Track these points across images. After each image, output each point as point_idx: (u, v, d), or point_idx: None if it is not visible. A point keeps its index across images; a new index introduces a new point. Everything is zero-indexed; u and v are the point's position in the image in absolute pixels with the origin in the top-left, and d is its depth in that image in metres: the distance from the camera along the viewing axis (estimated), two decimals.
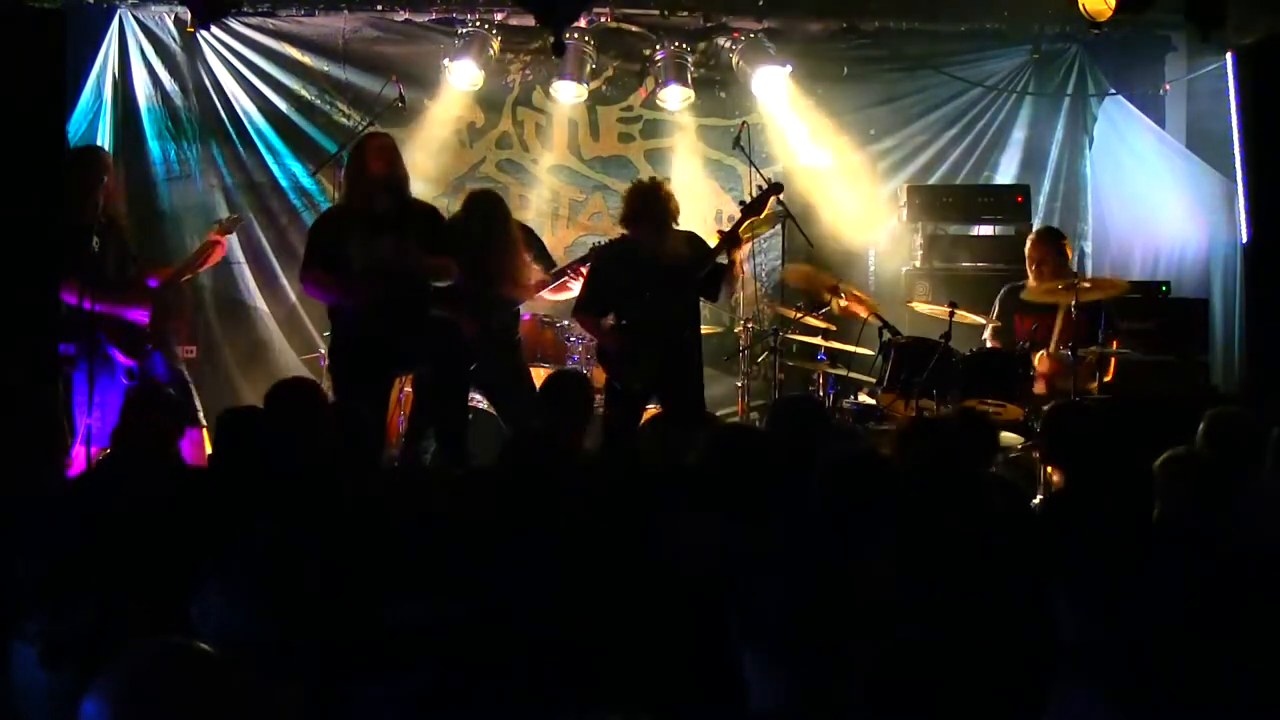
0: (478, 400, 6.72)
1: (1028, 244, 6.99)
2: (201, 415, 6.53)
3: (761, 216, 6.46)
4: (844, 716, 2.02)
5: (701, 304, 6.53)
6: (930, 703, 2.49)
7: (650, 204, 6.24)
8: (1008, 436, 6.46)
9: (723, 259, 6.27)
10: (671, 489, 3.81)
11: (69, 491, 4.17)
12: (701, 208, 8.49)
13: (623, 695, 2.21)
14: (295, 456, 4.11)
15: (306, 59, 8.39)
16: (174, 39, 8.26)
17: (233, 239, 8.29)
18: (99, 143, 7.93)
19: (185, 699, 1.84)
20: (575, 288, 6.71)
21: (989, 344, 6.83)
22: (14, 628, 2.35)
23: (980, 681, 2.59)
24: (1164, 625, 2.28)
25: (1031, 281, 6.80)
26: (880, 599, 2.21)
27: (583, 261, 6.74)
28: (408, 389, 6.67)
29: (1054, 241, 6.89)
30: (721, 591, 2.16)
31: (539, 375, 7.23)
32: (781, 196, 6.56)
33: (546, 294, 6.87)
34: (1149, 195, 8.55)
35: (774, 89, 8.27)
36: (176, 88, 8.27)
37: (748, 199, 6.65)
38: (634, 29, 8.44)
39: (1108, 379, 6.72)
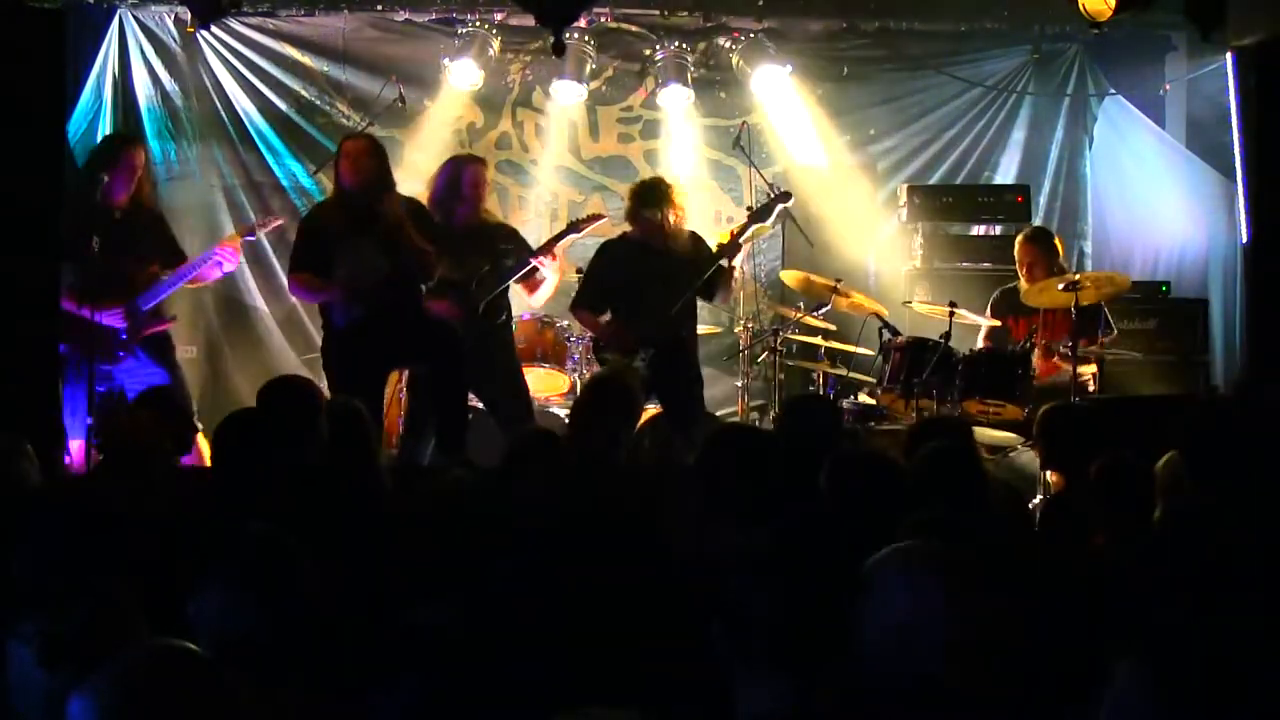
0: (475, 400, 6.69)
1: (1016, 246, 6.99)
2: (195, 418, 6.21)
3: (768, 223, 6.45)
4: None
5: (699, 304, 6.53)
6: (928, 703, 2.48)
7: (656, 202, 6.24)
8: (1007, 437, 6.46)
9: (724, 261, 6.28)
10: (671, 489, 3.81)
11: (67, 490, 4.17)
12: (701, 208, 8.48)
13: (615, 697, 2.21)
14: (290, 455, 4.11)
15: (306, 59, 8.39)
16: (174, 39, 8.26)
17: None
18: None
19: (173, 701, 1.84)
20: (547, 274, 6.54)
21: (981, 344, 6.81)
22: (9, 628, 2.35)
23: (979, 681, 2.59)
24: (1168, 624, 2.28)
25: (1023, 283, 6.80)
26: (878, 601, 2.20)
27: (551, 245, 6.63)
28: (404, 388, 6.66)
29: (1042, 242, 6.89)
30: (715, 594, 2.16)
31: (538, 375, 7.28)
32: (788, 204, 6.54)
33: (522, 289, 6.70)
34: (1149, 195, 8.54)
35: (774, 89, 8.26)
36: (176, 88, 8.26)
37: (748, 199, 6.65)
38: (634, 29, 8.43)
39: (1107, 379, 6.72)
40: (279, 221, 6.92)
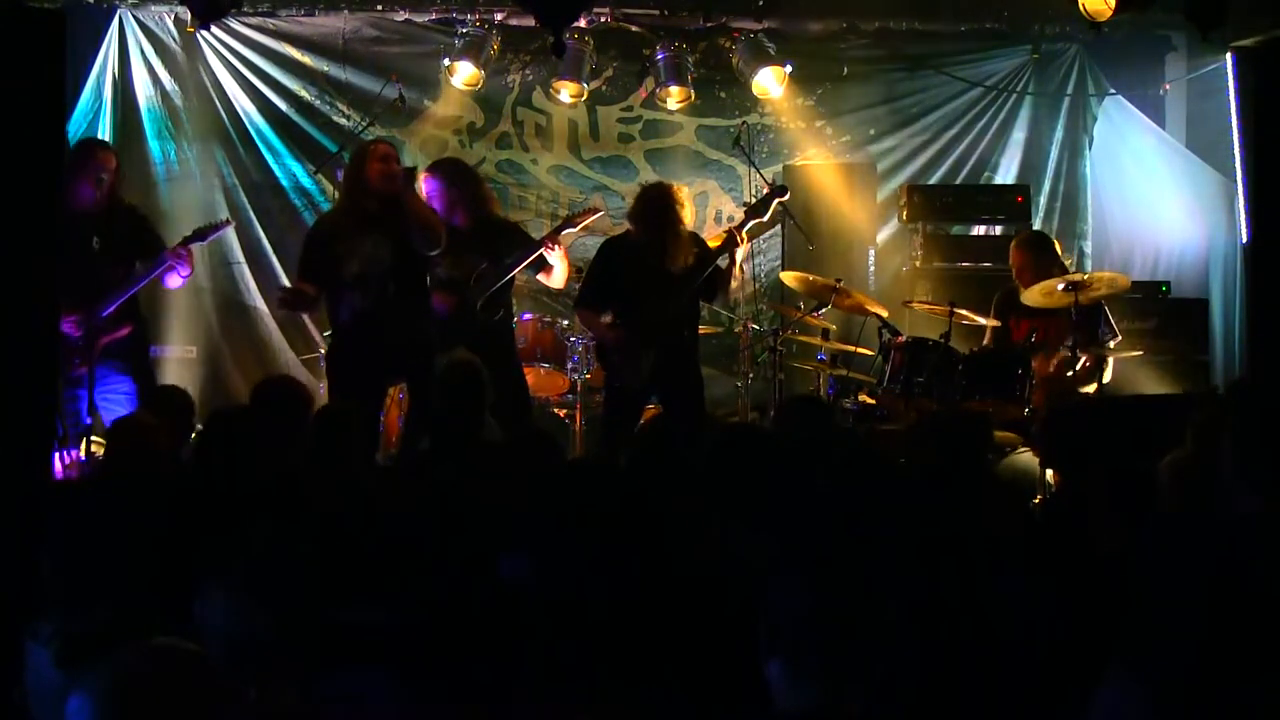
0: None
1: (1010, 251, 6.98)
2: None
3: (765, 219, 6.46)
4: (865, 716, 2.02)
5: (701, 304, 6.52)
6: (937, 701, 2.49)
7: (660, 208, 6.23)
8: (1007, 436, 6.46)
9: (723, 261, 6.28)
10: (672, 489, 3.81)
11: (73, 492, 4.17)
12: (701, 208, 8.49)
13: (643, 697, 2.21)
14: (284, 455, 4.11)
15: (306, 59, 8.40)
16: (174, 39, 8.27)
17: (232, 238, 8.32)
18: None
19: (170, 700, 1.84)
20: (554, 262, 6.56)
21: (986, 343, 6.81)
22: (27, 630, 2.35)
23: (981, 680, 2.59)
24: (1168, 625, 2.29)
25: (1020, 288, 6.80)
26: (892, 601, 2.21)
27: (558, 231, 6.67)
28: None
29: (1032, 248, 6.87)
30: (739, 595, 2.16)
31: (538, 375, 7.28)
32: (784, 199, 6.56)
33: (541, 275, 6.74)
34: (1149, 195, 8.55)
35: (774, 89, 8.27)
36: (176, 88, 8.27)
37: (748, 199, 6.65)
38: (634, 29, 8.44)
39: (1107, 379, 6.72)
40: (228, 224, 6.63)
